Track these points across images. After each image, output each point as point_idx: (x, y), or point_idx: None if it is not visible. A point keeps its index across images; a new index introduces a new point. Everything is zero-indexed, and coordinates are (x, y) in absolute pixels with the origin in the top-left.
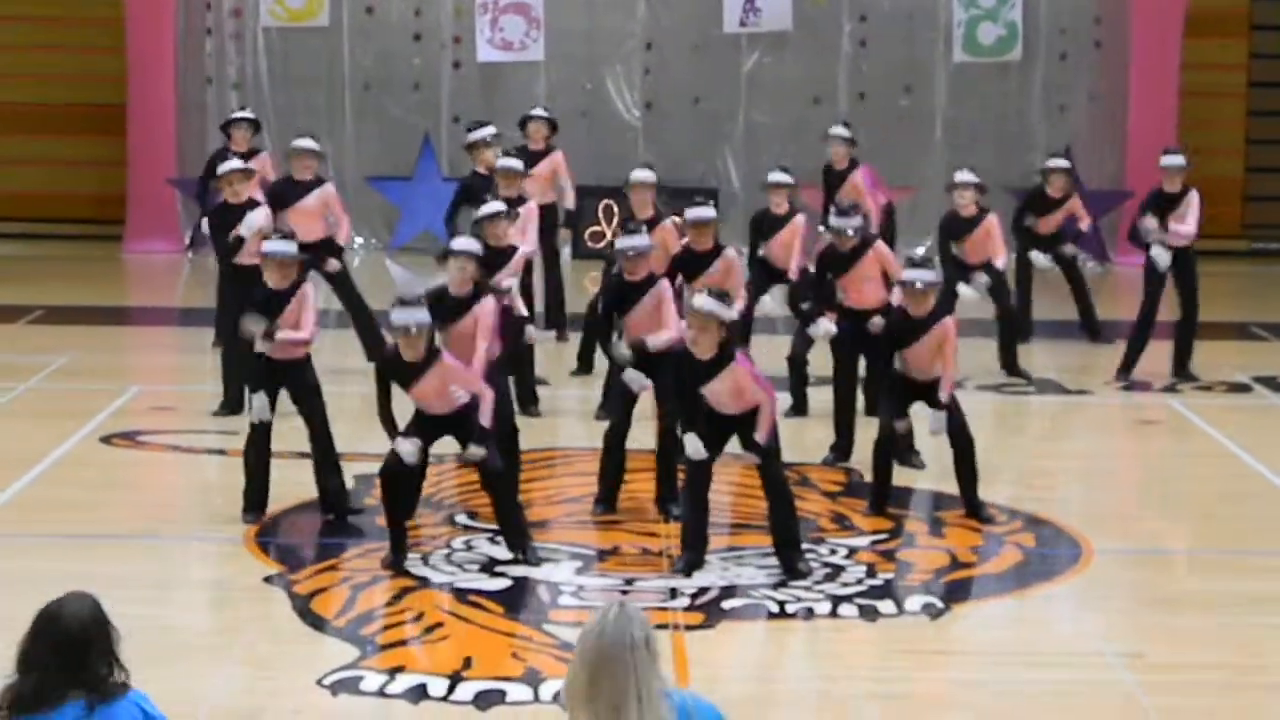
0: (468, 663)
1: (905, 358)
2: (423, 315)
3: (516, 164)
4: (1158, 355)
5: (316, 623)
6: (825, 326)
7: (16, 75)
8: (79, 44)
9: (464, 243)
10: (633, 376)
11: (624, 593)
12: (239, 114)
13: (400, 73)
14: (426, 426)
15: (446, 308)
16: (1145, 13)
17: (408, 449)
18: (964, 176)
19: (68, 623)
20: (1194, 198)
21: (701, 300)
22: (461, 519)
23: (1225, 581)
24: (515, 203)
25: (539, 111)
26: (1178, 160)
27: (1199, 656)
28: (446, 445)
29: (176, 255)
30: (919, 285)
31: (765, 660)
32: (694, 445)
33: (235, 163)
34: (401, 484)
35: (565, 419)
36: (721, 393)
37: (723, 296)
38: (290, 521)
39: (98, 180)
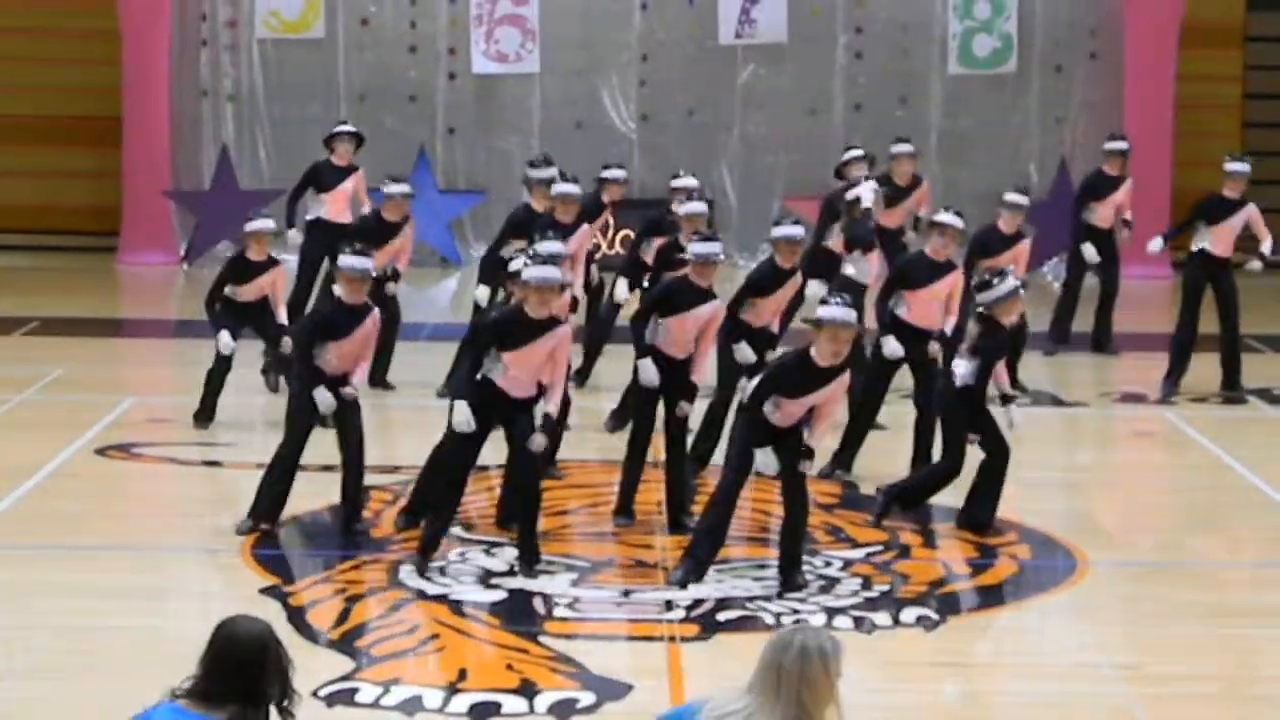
0: (463, 674)
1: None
2: (558, 273)
3: (574, 190)
4: (1153, 366)
5: (312, 635)
6: (891, 347)
7: (12, 87)
8: (74, 56)
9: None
10: (648, 368)
11: (618, 605)
12: (342, 128)
13: (395, 84)
14: (489, 412)
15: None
16: (1140, 24)
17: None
18: (1015, 198)
19: (240, 639)
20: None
21: (837, 310)
22: (457, 531)
23: (1221, 593)
24: (570, 229)
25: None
26: (1244, 167)
27: (1195, 668)
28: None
29: (172, 267)
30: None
31: None
32: (766, 459)
33: (268, 224)
34: (457, 472)
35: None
36: (818, 399)
37: (853, 306)
38: (287, 534)
39: (93, 192)
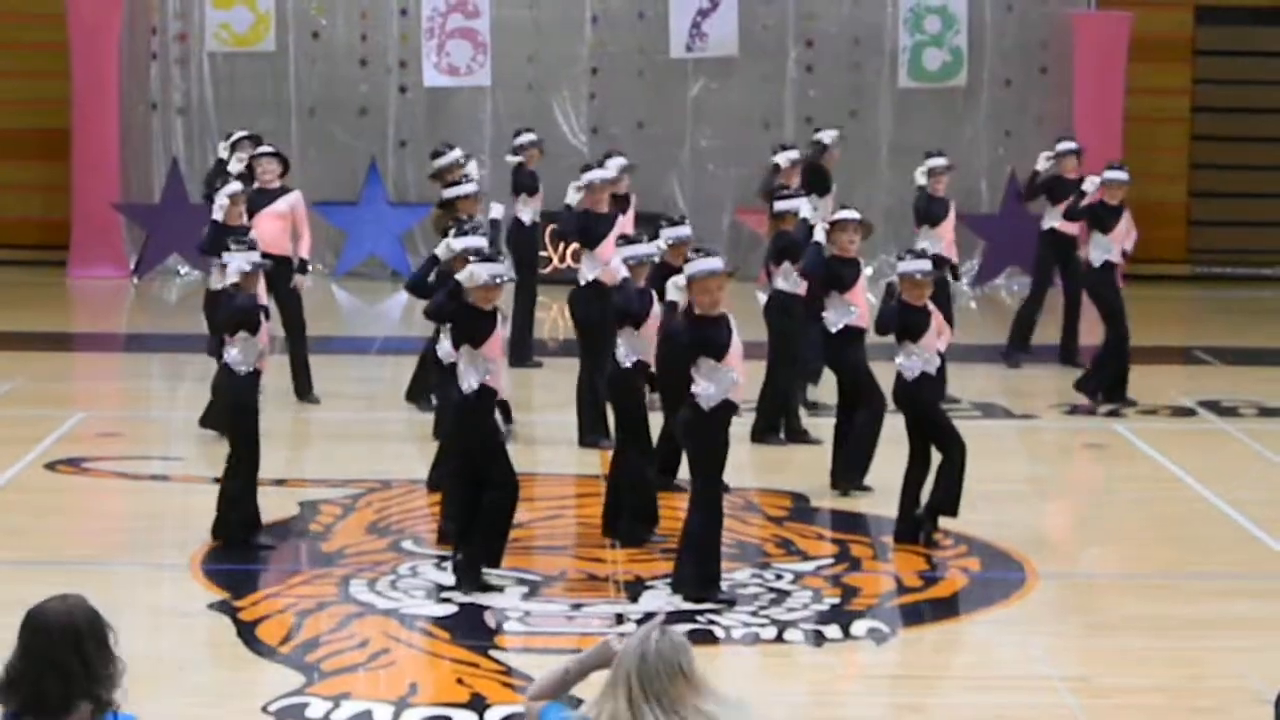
0: (413, 689)
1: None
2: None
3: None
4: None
5: (261, 649)
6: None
7: None
8: (23, 69)
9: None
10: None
11: (569, 618)
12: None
13: (346, 97)
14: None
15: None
16: (1090, 38)
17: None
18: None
19: (54, 620)
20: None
21: (700, 263)
22: (408, 544)
23: (1169, 605)
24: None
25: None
26: (1124, 175)
27: (1143, 680)
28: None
29: (122, 281)
30: (919, 276)
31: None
32: None
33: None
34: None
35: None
36: (738, 352)
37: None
38: (236, 548)
39: (42, 205)
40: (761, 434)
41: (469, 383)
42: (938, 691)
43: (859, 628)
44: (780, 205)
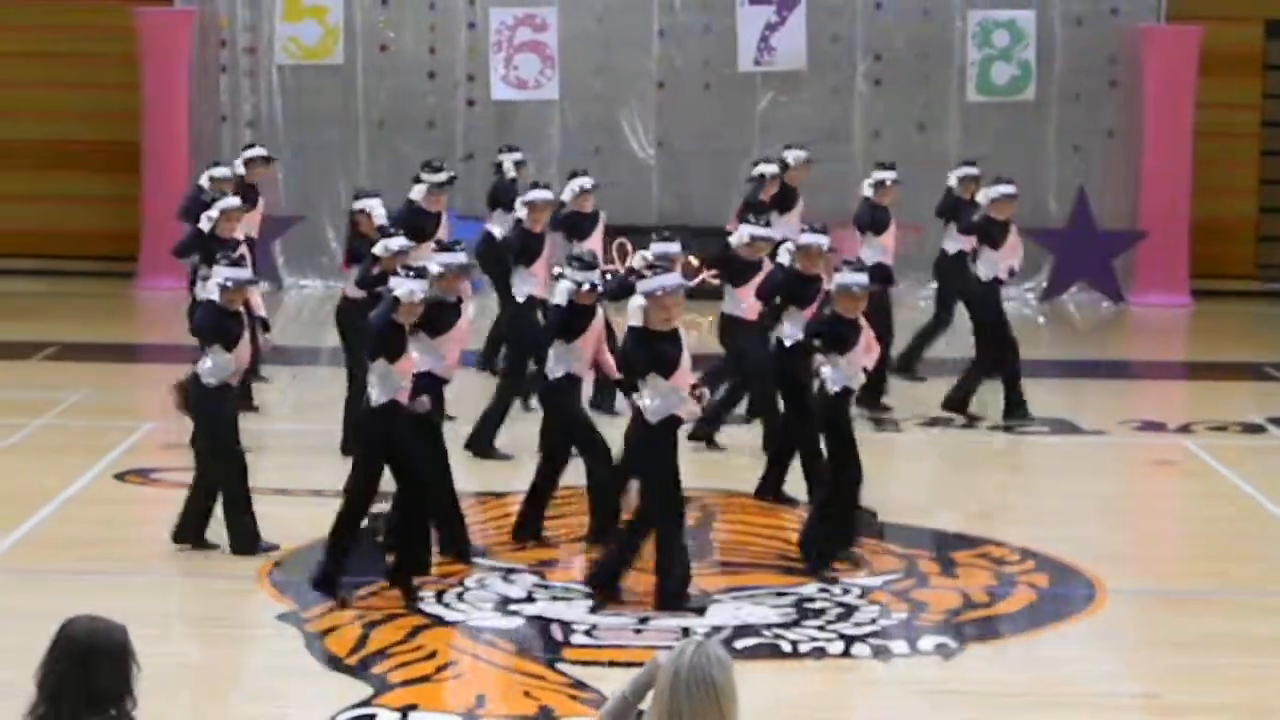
0: (480, 701)
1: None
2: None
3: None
4: (1170, 394)
5: (329, 660)
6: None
7: (32, 112)
8: (94, 81)
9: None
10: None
11: (637, 631)
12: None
13: (415, 110)
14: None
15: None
16: (1160, 52)
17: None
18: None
19: (78, 635)
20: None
21: (656, 280)
22: (475, 557)
23: (1240, 622)
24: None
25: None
26: (1012, 190)
27: (1214, 698)
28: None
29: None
30: (855, 289)
31: (778, 700)
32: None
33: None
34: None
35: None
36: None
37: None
38: (303, 559)
39: (112, 217)
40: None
41: (379, 397)
42: (1005, 708)
43: (926, 643)
44: (756, 233)
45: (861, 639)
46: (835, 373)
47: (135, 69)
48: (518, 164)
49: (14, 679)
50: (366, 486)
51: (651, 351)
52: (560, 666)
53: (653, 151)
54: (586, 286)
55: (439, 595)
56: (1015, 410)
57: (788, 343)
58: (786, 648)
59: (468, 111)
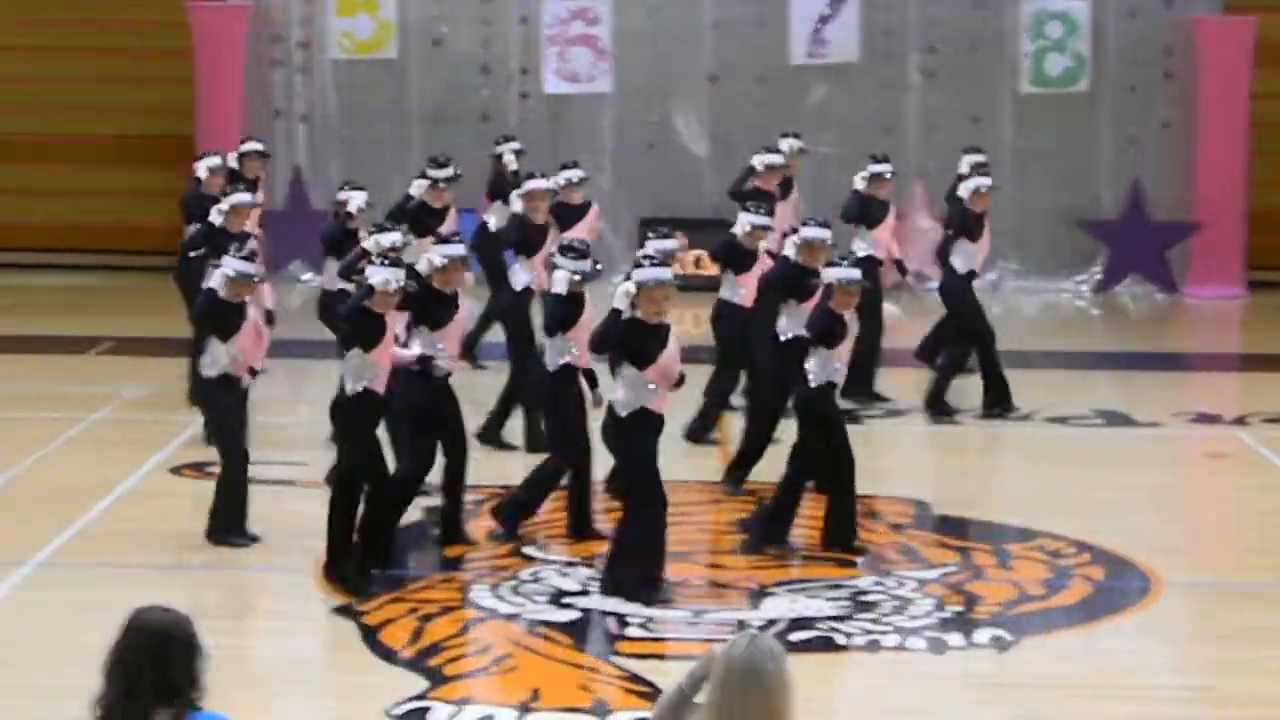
0: (535, 694)
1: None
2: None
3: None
4: (1224, 386)
5: (385, 653)
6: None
7: (86, 108)
8: (148, 76)
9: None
10: None
11: (692, 624)
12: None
13: (467, 104)
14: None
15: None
16: (1214, 44)
17: None
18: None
19: (150, 626)
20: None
21: (649, 272)
22: (530, 550)
23: None
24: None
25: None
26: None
27: (1271, 689)
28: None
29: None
30: (849, 285)
31: (833, 693)
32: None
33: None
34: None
35: None
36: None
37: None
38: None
39: (167, 212)
40: (697, 434)
41: (353, 386)
42: (1061, 700)
43: (981, 635)
44: (756, 221)
45: (917, 632)
46: (819, 368)
47: (189, 64)
48: (517, 153)
49: (78, 675)
50: (361, 469)
51: (633, 341)
52: (615, 659)
53: (705, 145)
54: (578, 276)
55: (494, 588)
56: (998, 403)
57: (782, 338)
58: (842, 640)
59: (521, 105)
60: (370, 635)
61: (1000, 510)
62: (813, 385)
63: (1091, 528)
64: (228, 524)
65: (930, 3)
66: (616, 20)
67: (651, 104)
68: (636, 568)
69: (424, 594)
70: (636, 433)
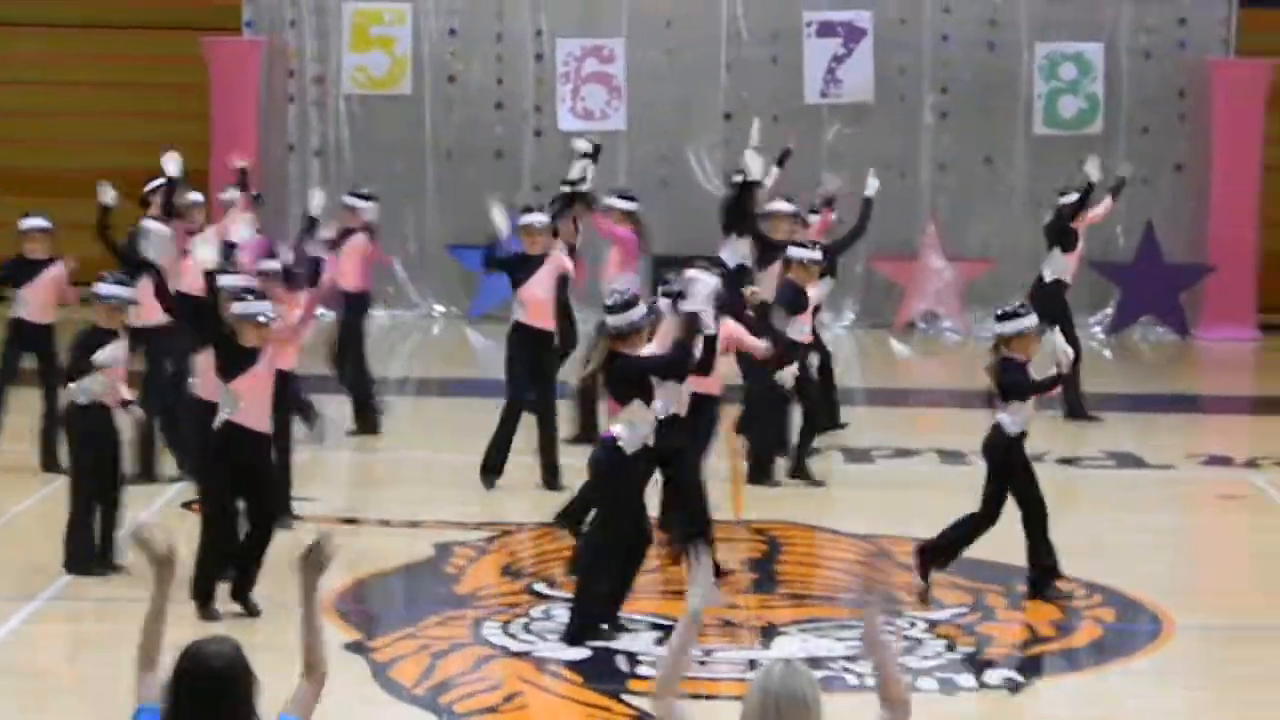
0: None
1: None
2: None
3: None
4: (1237, 429)
5: (395, 690)
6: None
7: (101, 141)
8: (162, 111)
9: None
10: None
11: (701, 663)
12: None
13: (482, 141)
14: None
15: None
16: (1228, 86)
17: None
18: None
19: (210, 661)
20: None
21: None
22: (541, 587)
23: None
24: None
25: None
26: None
27: None
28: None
29: None
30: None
31: None
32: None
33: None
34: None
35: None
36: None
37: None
38: (369, 589)
39: None
40: (756, 476)
41: (220, 416)
42: None
43: (993, 677)
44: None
45: (928, 673)
46: (1012, 418)
47: (204, 98)
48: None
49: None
50: (216, 511)
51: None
52: (626, 698)
53: (719, 183)
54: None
55: (505, 625)
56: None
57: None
58: (854, 681)
59: (535, 142)
60: (381, 672)
61: (1012, 551)
62: (1010, 434)
63: (1103, 569)
64: (76, 555)
65: (944, 44)
66: (631, 58)
67: (665, 142)
68: (583, 605)
69: (435, 630)
70: (634, 471)
